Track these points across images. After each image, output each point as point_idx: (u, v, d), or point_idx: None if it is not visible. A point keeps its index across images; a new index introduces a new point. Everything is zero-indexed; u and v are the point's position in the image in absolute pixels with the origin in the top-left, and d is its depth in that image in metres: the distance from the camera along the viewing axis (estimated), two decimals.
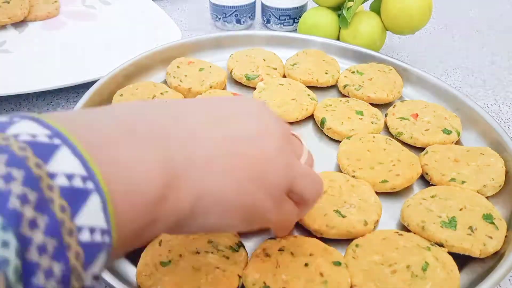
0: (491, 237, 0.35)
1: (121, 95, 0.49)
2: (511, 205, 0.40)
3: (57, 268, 0.15)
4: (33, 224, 0.15)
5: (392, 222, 0.39)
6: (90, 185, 0.17)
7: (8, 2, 0.64)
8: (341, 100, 0.51)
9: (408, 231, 0.37)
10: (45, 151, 0.16)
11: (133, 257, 0.35)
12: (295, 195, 0.27)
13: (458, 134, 0.47)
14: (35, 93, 0.55)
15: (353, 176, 0.41)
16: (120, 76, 0.52)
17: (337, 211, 0.37)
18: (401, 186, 0.41)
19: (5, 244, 0.14)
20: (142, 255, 0.34)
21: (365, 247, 0.35)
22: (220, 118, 0.25)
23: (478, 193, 0.40)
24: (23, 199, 0.15)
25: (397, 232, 0.36)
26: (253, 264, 0.33)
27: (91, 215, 0.17)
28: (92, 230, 0.17)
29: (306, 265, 0.33)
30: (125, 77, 0.52)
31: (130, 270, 0.34)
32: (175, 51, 0.57)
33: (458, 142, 0.47)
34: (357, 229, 0.36)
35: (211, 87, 0.53)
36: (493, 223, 0.36)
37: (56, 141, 0.17)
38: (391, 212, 0.40)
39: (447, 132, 0.46)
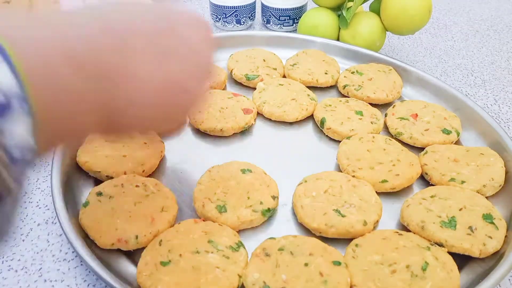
0: (491, 237, 0.35)
1: None
2: (511, 205, 0.40)
3: None
4: None
5: (392, 222, 0.39)
6: None
7: (8, 2, 0.64)
8: (340, 100, 0.51)
9: (408, 231, 0.37)
10: None
11: (133, 257, 0.35)
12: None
13: (458, 134, 0.47)
14: None
15: (353, 176, 0.41)
16: None
17: (336, 211, 0.37)
18: (401, 186, 0.41)
19: None
20: (142, 255, 0.34)
21: (365, 247, 0.35)
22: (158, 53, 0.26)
23: (478, 193, 0.40)
24: None
25: (397, 232, 0.36)
26: (253, 264, 0.33)
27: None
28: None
29: (306, 264, 0.33)
30: None
31: (130, 270, 0.34)
32: None
33: (457, 142, 0.47)
34: (356, 228, 0.36)
35: (211, 87, 0.53)
36: (493, 223, 0.36)
37: None
38: (391, 212, 0.40)
39: (446, 132, 0.46)
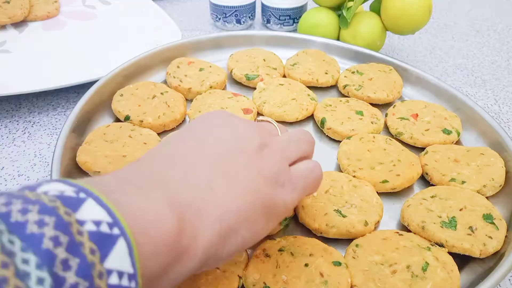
0: (491, 237, 0.35)
1: (121, 95, 0.49)
2: (511, 205, 0.40)
3: None
4: (65, 265, 0.16)
5: (392, 222, 0.39)
6: (116, 231, 0.18)
7: (8, 2, 0.64)
8: (341, 100, 0.51)
9: (408, 231, 0.37)
10: (73, 203, 0.18)
11: None
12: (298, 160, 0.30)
13: (458, 134, 0.47)
14: (35, 93, 0.55)
15: (354, 176, 0.41)
16: (120, 76, 0.52)
17: (337, 211, 0.37)
18: (402, 186, 0.41)
19: (41, 281, 0.15)
20: None
21: (365, 247, 0.35)
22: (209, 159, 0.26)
23: (478, 193, 0.40)
24: (56, 241, 0.16)
25: (397, 232, 0.36)
26: (253, 265, 0.33)
27: (119, 259, 0.17)
28: (120, 274, 0.17)
29: (306, 265, 0.33)
30: (125, 77, 0.52)
31: None
32: (175, 51, 0.57)
33: (458, 142, 0.47)
34: (357, 229, 0.36)
35: (211, 87, 0.53)
36: (493, 223, 0.36)
37: (82, 195, 0.18)
38: (391, 212, 0.40)
39: (447, 132, 0.46)
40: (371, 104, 0.52)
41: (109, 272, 0.17)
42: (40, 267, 0.15)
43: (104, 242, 0.17)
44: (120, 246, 0.18)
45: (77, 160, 0.41)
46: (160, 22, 0.67)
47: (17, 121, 0.52)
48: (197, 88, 0.52)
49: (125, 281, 0.17)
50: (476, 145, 0.46)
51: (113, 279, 0.17)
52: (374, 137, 0.45)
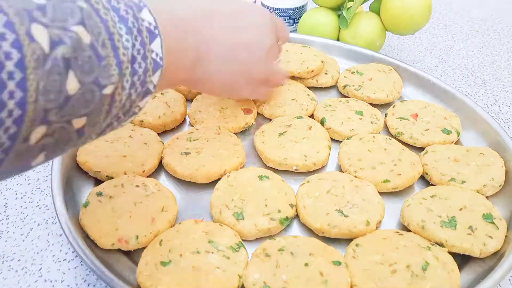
0: (491, 237, 0.35)
1: None
2: (511, 205, 0.40)
3: (148, 60, 0.27)
4: (138, 39, 0.26)
5: (393, 222, 0.39)
6: (156, 31, 0.28)
7: None
8: (340, 100, 0.51)
9: (408, 230, 0.37)
10: (139, 6, 0.27)
11: (133, 257, 0.35)
12: (269, 83, 0.44)
13: (458, 134, 0.47)
14: None
15: (355, 177, 0.41)
16: None
17: (339, 211, 0.37)
18: (403, 185, 0.41)
19: (128, 39, 0.25)
20: (142, 255, 0.34)
21: (365, 247, 0.35)
22: (234, 28, 0.38)
23: (478, 193, 0.40)
24: (133, 24, 0.26)
25: (398, 232, 0.36)
26: (253, 264, 0.33)
27: (157, 46, 0.28)
28: (156, 54, 0.28)
29: (306, 265, 0.33)
30: None
31: (130, 270, 0.34)
32: None
33: (458, 142, 0.47)
34: (359, 229, 0.36)
35: None
36: (493, 222, 0.36)
37: (142, 4, 0.27)
38: (391, 212, 0.40)
39: (446, 132, 0.46)
40: (371, 104, 0.52)
41: (152, 50, 0.27)
42: (127, 34, 0.25)
43: (151, 35, 0.27)
44: (158, 40, 0.28)
45: (78, 160, 0.41)
46: None
47: None
48: None
49: (158, 60, 0.28)
50: (476, 145, 0.46)
51: (154, 55, 0.27)
52: (374, 137, 0.45)
